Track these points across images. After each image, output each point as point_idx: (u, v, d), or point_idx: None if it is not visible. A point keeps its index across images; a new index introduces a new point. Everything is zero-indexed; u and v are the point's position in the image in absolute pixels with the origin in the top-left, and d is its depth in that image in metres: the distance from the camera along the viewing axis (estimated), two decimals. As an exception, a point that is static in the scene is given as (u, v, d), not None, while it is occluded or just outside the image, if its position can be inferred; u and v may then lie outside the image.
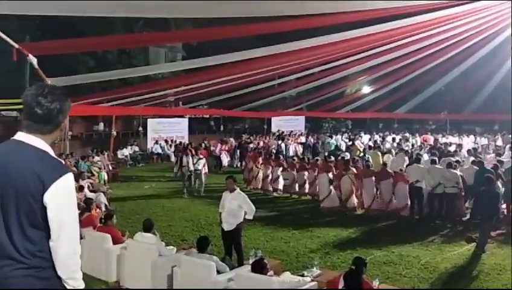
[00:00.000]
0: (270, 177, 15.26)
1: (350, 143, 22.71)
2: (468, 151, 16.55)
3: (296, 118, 32.99)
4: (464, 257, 8.72)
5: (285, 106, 34.23)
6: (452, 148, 18.60)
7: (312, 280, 6.29)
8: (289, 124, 32.09)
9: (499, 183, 10.77)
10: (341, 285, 5.48)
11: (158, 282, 6.71)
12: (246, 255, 7.72)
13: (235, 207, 7.58)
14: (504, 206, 10.87)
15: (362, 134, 29.40)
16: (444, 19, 17.05)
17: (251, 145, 22.26)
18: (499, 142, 23.46)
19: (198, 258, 6.45)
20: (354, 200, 12.53)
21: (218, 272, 6.27)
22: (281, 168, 15.11)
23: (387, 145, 23.04)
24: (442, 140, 23.03)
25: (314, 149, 22.11)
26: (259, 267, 5.80)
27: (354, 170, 12.79)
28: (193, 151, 15.74)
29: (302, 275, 6.44)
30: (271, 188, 15.18)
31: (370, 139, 25.87)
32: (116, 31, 25.02)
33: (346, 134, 29.96)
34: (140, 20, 26.50)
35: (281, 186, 15.02)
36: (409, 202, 11.76)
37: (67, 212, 2.28)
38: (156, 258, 6.80)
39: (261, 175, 15.67)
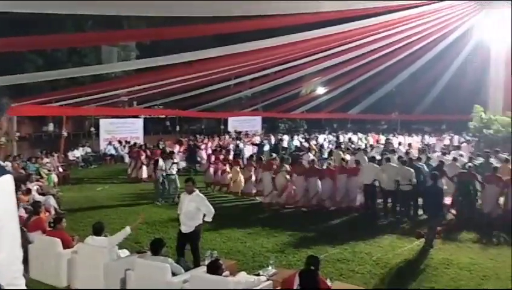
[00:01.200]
0: (253, 179, 14.80)
1: (307, 144, 22.93)
2: (420, 150, 17.13)
3: (252, 118, 33.10)
4: (413, 252, 9.04)
5: (241, 106, 34.30)
6: (402, 148, 19.14)
7: (267, 279, 6.32)
8: (246, 124, 32.14)
9: (443, 181, 11.28)
10: (296, 283, 5.53)
11: (111, 286, 6.54)
12: (202, 256, 7.66)
13: (193, 209, 7.49)
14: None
15: (318, 134, 29.80)
16: (395, 21, 17.66)
17: (203, 147, 21.95)
18: (446, 142, 24.42)
19: (152, 260, 6.33)
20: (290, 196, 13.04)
21: (174, 274, 6.19)
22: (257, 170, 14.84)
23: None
24: (393, 140, 23.68)
25: (275, 149, 22.13)
26: (214, 268, 5.77)
27: (287, 167, 13.23)
28: (168, 154, 14.86)
29: (258, 275, 6.45)
30: (254, 191, 14.67)
31: (325, 139, 26.23)
32: (66, 29, 24.24)
33: (302, 134, 30.29)
34: (90, 19, 25.76)
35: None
36: (357, 199, 12.45)
37: (6, 215, 2.17)
38: (108, 261, 6.63)
39: (242, 178, 14.96)
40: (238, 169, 15.09)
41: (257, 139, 26.03)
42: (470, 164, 12.10)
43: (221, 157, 16.45)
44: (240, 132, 29.05)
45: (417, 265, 8.32)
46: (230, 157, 17.16)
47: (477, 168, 12.05)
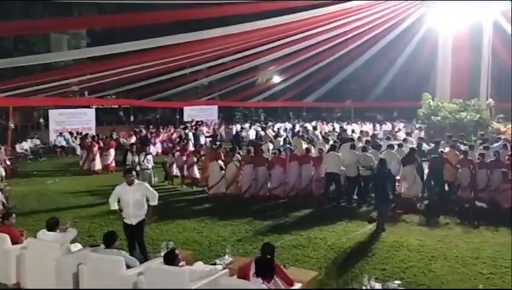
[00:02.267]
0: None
1: (263, 133, 23.02)
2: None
3: (208, 107, 32.86)
4: (365, 236, 9.31)
5: (197, 96, 34.00)
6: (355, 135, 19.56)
7: (224, 268, 6.34)
8: (202, 113, 31.89)
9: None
10: (252, 270, 5.56)
11: (63, 281, 6.35)
12: (157, 247, 7.60)
13: (140, 198, 7.36)
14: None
15: (280, 123, 29.94)
16: (348, 11, 17.97)
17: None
18: (397, 128, 25.18)
19: (105, 254, 6.20)
20: (238, 185, 13.09)
21: (128, 267, 6.09)
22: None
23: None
24: (347, 127, 24.21)
25: (236, 138, 22.06)
26: (170, 259, 5.72)
27: (238, 156, 13.30)
28: (140, 147, 14.09)
29: (215, 264, 6.46)
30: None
31: (280, 128, 26.43)
32: (13, 16, 23.15)
33: (259, 123, 30.43)
34: (39, 5, 24.73)
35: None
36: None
37: None
38: (59, 256, 6.43)
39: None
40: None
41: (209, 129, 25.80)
42: (441, 149, 12.52)
43: (188, 149, 15.80)
44: (197, 122, 28.80)
45: (369, 248, 8.57)
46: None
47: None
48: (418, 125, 20.94)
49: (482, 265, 7.67)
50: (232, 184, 13.07)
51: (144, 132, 22.60)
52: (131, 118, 29.98)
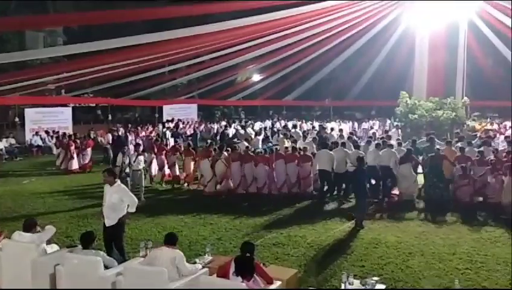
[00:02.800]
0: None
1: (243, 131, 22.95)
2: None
3: (188, 106, 32.66)
4: (344, 233, 9.41)
5: (177, 94, 33.79)
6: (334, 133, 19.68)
7: (204, 267, 6.33)
8: (181, 112, 31.65)
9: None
10: (232, 269, 5.56)
11: (39, 282, 6.24)
12: (136, 247, 7.52)
13: (116, 201, 7.23)
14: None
15: (260, 122, 29.86)
16: (328, 10, 18.11)
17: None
18: (376, 127, 25.50)
19: (83, 254, 6.12)
20: (230, 183, 13.21)
21: (106, 268, 6.02)
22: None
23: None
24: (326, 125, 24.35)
25: (222, 136, 21.92)
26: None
27: (225, 154, 13.32)
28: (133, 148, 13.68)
29: (194, 263, 6.44)
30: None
31: (261, 127, 26.41)
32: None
33: (238, 121, 30.37)
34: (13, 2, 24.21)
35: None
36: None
37: None
38: (35, 257, 6.31)
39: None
40: (191, 159, 14.60)
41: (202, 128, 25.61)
42: (438, 147, 12.74)
43: (168, 148, 15.74)
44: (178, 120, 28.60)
45: (348, 245, 8.65)
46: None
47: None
48: (395, 124, 21.23)
49: (458, 261, 7.82)
50: (221, 182, 13.13)
51: (122, 130, 22.29)
52: (109, 117, 29.59)
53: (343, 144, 13.03)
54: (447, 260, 7.82)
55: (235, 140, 19.17)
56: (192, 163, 14.51)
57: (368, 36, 24.76)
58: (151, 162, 14.99)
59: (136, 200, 7.44)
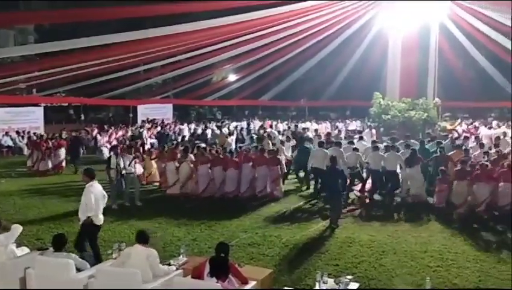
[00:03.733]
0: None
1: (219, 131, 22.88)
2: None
3: (163, 105, 32.35)
4: (319, 232, 9.49)
5: (152, 94, 33.45)
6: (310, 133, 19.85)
7: (178, 268, 6.29)
8: (156, 112, 31.33)
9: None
10: (207, 270, 5.54)
11: (9, 286, 6.08)
12: (110, 249, 7.41)
13: (82, 201, 7.25)
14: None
15: (236, 122, 29.81)
16: (303, 10, 18.23)
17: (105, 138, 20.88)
18: (351, 127, 25.79)
19: (54, 257, 6.00)
20: (191, 185, 12.96)
21: (79, 270, 5.93)
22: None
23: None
24: (301, 125, 24.53)
25: (203, 137, 21.76)
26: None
27: (192, 156, 13.14)
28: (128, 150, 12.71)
29: (169, 264, 6.39)
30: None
31: (236, 127, 26.38)
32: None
33: (214, 122, 30.27)
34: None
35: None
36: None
37: None
38: (4, 260, 6.15)
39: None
40: (151, 159, 14.47)
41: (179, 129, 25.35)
42: (442, 146, 12.82)
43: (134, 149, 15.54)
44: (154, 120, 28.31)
45: (323, 245, 8.73)
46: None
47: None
48: (369, 124, 21.52)
49: (430, 258, 7.98)
50: (185, 184, 12.91)
51: (88, 131, 22.04)
52: (82, 117, 29.09)
53: (338, 144, 13.17)
54: (418, 258, 7.97)
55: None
56: (153, 163, 14.43)
57: (342, 37, 25.00)
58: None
59: (93, 210, 7.21)
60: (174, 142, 17.77)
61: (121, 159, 11.80)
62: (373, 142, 13.83)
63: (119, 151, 12.33)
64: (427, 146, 13.47)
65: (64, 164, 17.64)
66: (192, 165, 12.87)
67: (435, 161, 12.29)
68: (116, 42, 16.19)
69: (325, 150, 12.57)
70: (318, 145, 13.17)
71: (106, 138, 22.07)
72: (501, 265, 7.64)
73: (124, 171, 11.73)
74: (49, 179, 15.94)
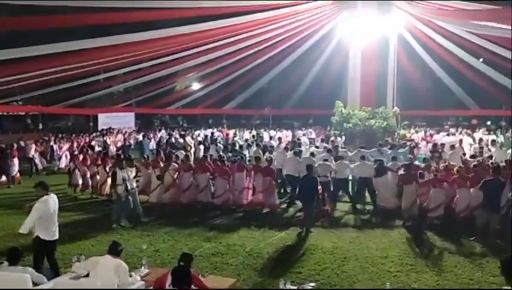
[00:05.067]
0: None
1: (182, 140, 22.68)
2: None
3: (125, 114, 31.83)
4: (283, 240, 9.56)
5: (113, 102, 32.85)
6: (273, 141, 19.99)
7: (140, 280, 6.18)
8: (118, 121, 30.81)
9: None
10: (169, 281, 5.48)
11: (-42, 304, 5.81)
12: (68, 262, 7.20)
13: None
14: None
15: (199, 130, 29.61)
16: (267, 20, 18.42)
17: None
18: (313, 135, 26.10)
19: (9, 271, 5.77)
20: (174, 193, 12.76)
21: (36, 284, 5.73)
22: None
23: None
24: (265, 134, 24.68)
25: (171, 146, 21.44)
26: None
27: (175, 165, 12.98)
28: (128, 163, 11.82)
29: (130, 276, 6.26)
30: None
31: (199, 135, 26.24)
32: None
33: (177, 130, 30.02)
34: None
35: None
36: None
37: None
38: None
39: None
40: (107, 170, 14.00)
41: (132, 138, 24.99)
42: (410, 156, 13.15)
43: (89, 158, 15.19)
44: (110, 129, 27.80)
45: (286, 252, 8.80)
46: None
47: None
48: (332, 132, 21.85)
49: (390, 264, 8.17)
50: (166, 192, 12.67)
51: (52, 140, 21.40)
52: (40, 126, 28.21)
53: (297, 153, 13.32)
54: (379, 264, 8.15)
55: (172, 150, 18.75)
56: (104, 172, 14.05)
57: (304, 47, 25.39)
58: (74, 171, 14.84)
59: (29, 224, 6.90)
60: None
61: (127, 173, 10.94)
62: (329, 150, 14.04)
63: (124, 165, 11.26)
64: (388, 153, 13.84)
65: (18, 174, 17.08)
66: (175, 173, 12.69)
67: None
68: (77, 49, 15.84)
69: (299, 159, 12.79)
70: (294, 153, 13.37)
71: (66, 147, 21.56)
72: (458, 269, 7.91)
73: (129, 187, 10.93)
74: (3, 190, 15.39)
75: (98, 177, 14.29)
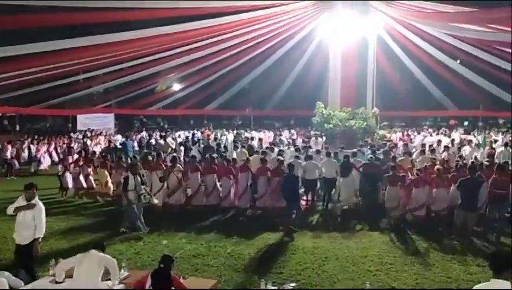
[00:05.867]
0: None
1: (163, 141, 22.53)
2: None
3: (104, 115, 31.42)
4: (264, 241, 9.57)
5: (93, 103, 32.44)
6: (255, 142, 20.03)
7: (120, 283, 6.13)
8: (97, 121, 30.40)
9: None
10: (149, 284, 5.44)
11: None
12: (46, 266, 7.08)
13: (29, 220, 6.71)
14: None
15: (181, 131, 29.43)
16: (248, 20, 18.43)
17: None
18: (294, 136, 26.26)
19: (-15, 276, 5.66)
20: (180, 195, 12.66)
21: (12, 289, 5.63)
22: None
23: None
24: (246, 134, 24.70)
25: (147, 147, 21.22)
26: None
27: (180, 167, 12.85)
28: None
29: (109, 279, 6.20)
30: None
31: (179, 136, 26.11)
32: None
33: (157, 131, 29.81)
34: None
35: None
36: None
37: None
38: None
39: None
40: (107, 172, 13.89)
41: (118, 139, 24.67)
42: (371, 156, 13.16)
43: (82, 160, 14.67)
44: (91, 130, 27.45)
45: (268, 253, 8.81)
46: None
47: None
48: (313, 132, 21.99)
49: (370, 263, 8.25)
50: (172, 194, 12.51)
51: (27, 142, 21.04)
52: (17, 127, 27.64)
53: (280, 154, 13.56)
54: (359, 263, 8.23)
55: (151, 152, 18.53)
56: (107, 175, 13.90)
57: (286, 48, 25.50)
58: (63, 174, 14.41)
59: (43, 229, 6.82)
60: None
61: (138, 179, 10.47)
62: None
63: (138, 170, 10.83)
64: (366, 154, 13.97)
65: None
66: (180, 175, 12.50)
67: (365, 169, 12.65)
68: (56, 49, 15.60)
69: (281, 158, 12.85)
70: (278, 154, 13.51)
71: (44, 149, 21.23)
72: (436, 268, 8.03)
73: (143, 190, 10.56)
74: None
75: (91, 178, 14.09)
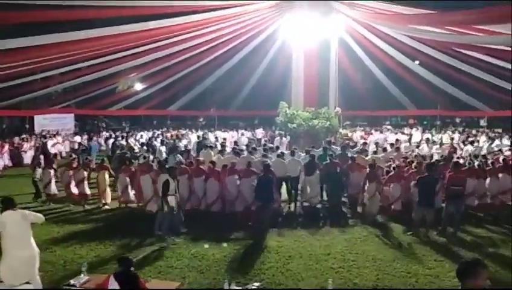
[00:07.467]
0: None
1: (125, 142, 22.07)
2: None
3: (63, 116, 30.53)
4: (228, 241, 9.48)
5: (51, 103, 31.48)
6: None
7: (80, 287, 5.97)
8: (56, 122, 29.51)
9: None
10: (111, 285, 5.32)
11: None
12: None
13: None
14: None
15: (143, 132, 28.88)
16: (211, 20, 18.35)
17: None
18: (259, 136, 26.34)
19: None
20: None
21: None
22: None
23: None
24: (210, 135, 24.58)
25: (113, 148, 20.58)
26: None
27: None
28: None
29: (69, 284, 6.04)
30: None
31: (142, 137, 25.66)
32: None
33: (120, 132, 29.20)
34: None
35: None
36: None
37: None
38: None
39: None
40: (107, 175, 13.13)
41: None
42: (330, 153, 13.23)
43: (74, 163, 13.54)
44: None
45: (232, 253, 8.76)
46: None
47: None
48: (277, 132, 22.10)
49: (333, 260, 8.36)
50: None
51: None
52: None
53: (237, 153, 13.49)
54: (323, 261, 8.32)
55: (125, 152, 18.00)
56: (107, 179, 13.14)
57: (249, 48, 25.56)
58: (50, 180, 13.32)
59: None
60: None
61: (177, 183, 9.99)
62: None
63: (177, 174, 10.33)
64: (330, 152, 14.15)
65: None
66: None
67: (348, 168, 12.73)
68: (10, 48, 15.03)
69: (253, 157, 12.90)
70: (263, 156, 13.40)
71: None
72: (396, 263, 8.22)
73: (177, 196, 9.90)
74: None
75: (85, 183, 13.03)
